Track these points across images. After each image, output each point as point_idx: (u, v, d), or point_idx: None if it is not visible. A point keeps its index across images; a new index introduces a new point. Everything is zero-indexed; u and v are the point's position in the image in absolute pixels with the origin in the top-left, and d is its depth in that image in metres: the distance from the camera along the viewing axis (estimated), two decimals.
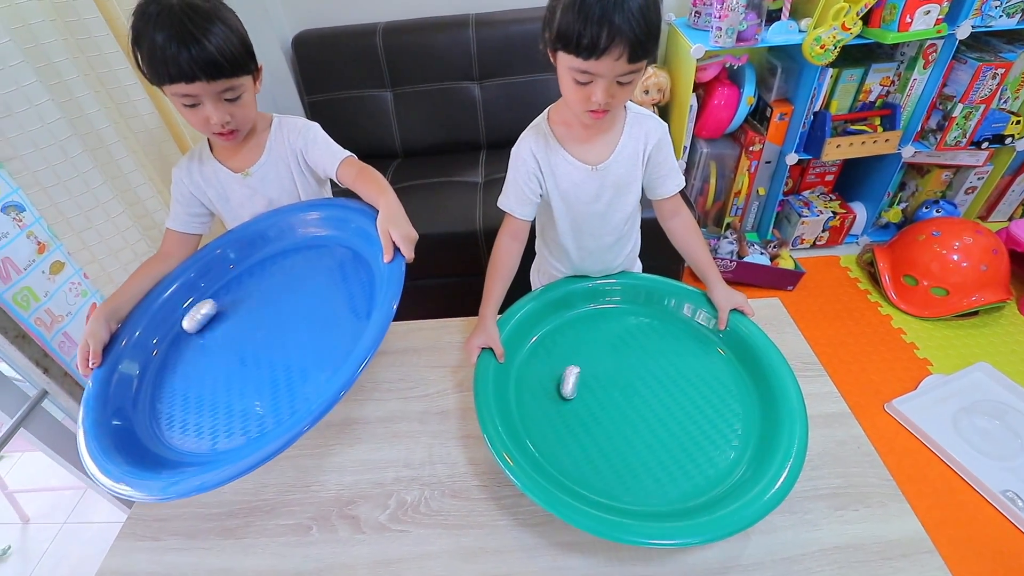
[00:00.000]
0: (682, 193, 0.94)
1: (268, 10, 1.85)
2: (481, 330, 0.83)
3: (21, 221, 0.99)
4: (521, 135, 0.88)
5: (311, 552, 0.71)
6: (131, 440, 0.75)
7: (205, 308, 0.87)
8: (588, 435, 0.76)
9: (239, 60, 0.78)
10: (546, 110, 0.88)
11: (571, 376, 0.80)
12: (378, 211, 0.79)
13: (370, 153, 1.97)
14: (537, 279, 1.08)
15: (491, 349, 0.82)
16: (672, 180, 0.90)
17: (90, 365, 0.79)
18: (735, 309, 0.87)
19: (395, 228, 0.74)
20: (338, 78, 1.90)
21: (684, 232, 0.94)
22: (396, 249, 0.74)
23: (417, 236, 0.76)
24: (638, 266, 1.05)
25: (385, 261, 0.74)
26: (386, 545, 0.71)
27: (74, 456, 1.09)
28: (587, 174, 0.86)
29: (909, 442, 1.44)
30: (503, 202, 0.90)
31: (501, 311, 0.90)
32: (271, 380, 0.77)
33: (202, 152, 0.93)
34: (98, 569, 0.73)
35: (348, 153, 0.92)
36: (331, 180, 0.97)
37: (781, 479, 0.66)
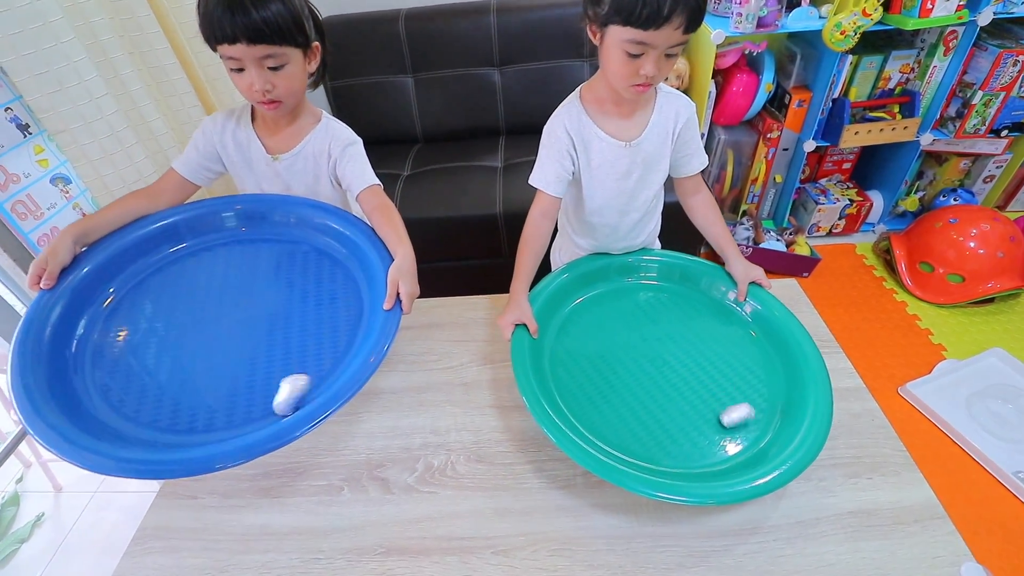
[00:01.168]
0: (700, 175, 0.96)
1: None
2: (514, 306, 0.84)
3: (68, 193, 1.03)
4: (554, 113, 0.89)
5: (343, 511, 0.74)
6: (65, 382, 0.70)
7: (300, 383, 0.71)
8: (625, 405, 0.78)
9: (284, 29, 0.78)
10: (578, 88, 0.89)
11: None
12: (392, 257, 0.81)
13: (391, 138, 2.00)
14: (558, 257, 1.10)
15: (524, 325, 0.83)
16: (697, 159, 0.92)
17: (41, 285, 0.75)
18: (753, 282, 0.89)
19: (404, 283, 0.76)
20: (360, 64, 1.92)
21: (704, 209, 0.96)
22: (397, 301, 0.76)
23: (418, 294, 0.79)
24: (657, 246, 1.07)
25: (385, 308, 0.75)
26: (415, 505, 0.74)
27: None
28: (620, 150, 0.87)
29: (922, 424, 1.46)
30: (535, 178, 0.90)
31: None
32: (231, 375, 0.75)
33: (241, 116, 0.93)
34: (140, 523, 0.76)
35: (377, 181, 0.93)
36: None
37: (808, 440, 0.69)
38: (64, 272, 0.77)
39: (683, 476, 0.69)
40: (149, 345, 0.77)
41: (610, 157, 0.88)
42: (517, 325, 0.82)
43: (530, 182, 0.91)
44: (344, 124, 0.97)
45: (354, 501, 0.76)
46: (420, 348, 0.97)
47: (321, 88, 1.99)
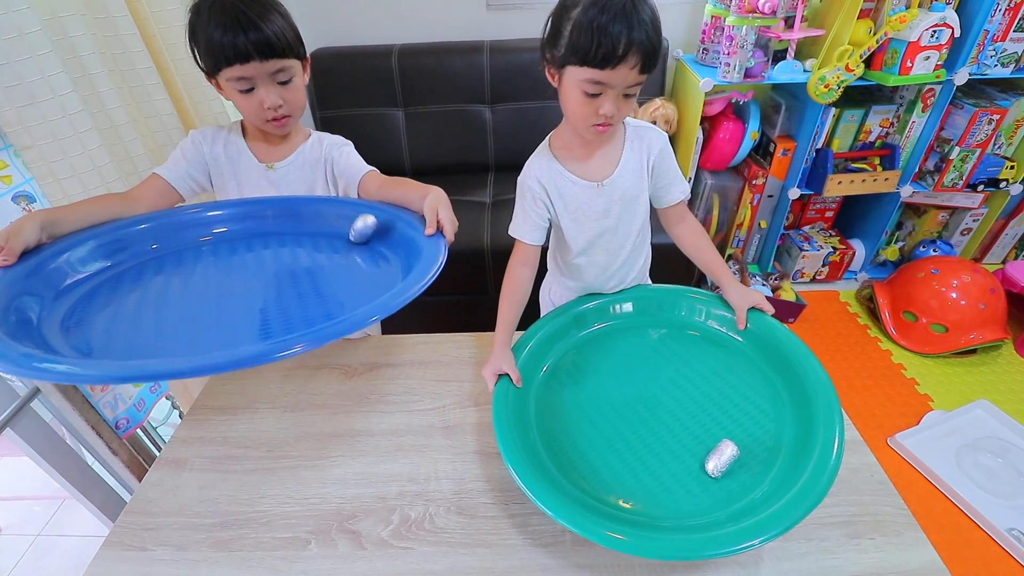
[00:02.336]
0: None
1: None
2: (496, 357, 0.81)
3: (31, 211, 0.96)
4: (526, 164, 0.89)
5: (309, 568, 0.68)
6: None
7: (369, 220, 0.81)
8: (615, 454, 0.73)
9: (291, 43, 0.81)
10: (547, 137, 0.90)
11: None
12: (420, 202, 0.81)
13: (379, 170, 1.97)
14: (548, 299, 1.07)
15: (508, 376, 0.80)
16: (677, 187, 0.91)
17: None
18: (753, 308, 0.86)
19: (444, 209, 0.77)
20: (351, 95, 1.92)
21: (692, 236, 0.95)
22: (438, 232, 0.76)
23: (458, 225, 0.78)
24: (648, 282, 1.05)
25: (427, 234, 0.75)
26: (389, 562, 0.68)
27: (61, 462, 1.04)
28: (594, 191, 0.86)
29: (913, 477, 1.43)
30: (513, 229, 0.90)
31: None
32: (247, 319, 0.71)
33: (231, 130, 0.93)
34: None
35: (374, 167, 0.94)
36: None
37: (828, 464, 0.66)
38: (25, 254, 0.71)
39: (673, 528, 0.63)
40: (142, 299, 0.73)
41: (585, 199, 0.87)
42: (500, 376, 0.79)
43: (509, 232, 0.91)
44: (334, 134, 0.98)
45: (322, 557, 0.69)
46: (400, 388, 0.93)
47: (311, 118, 1.99)
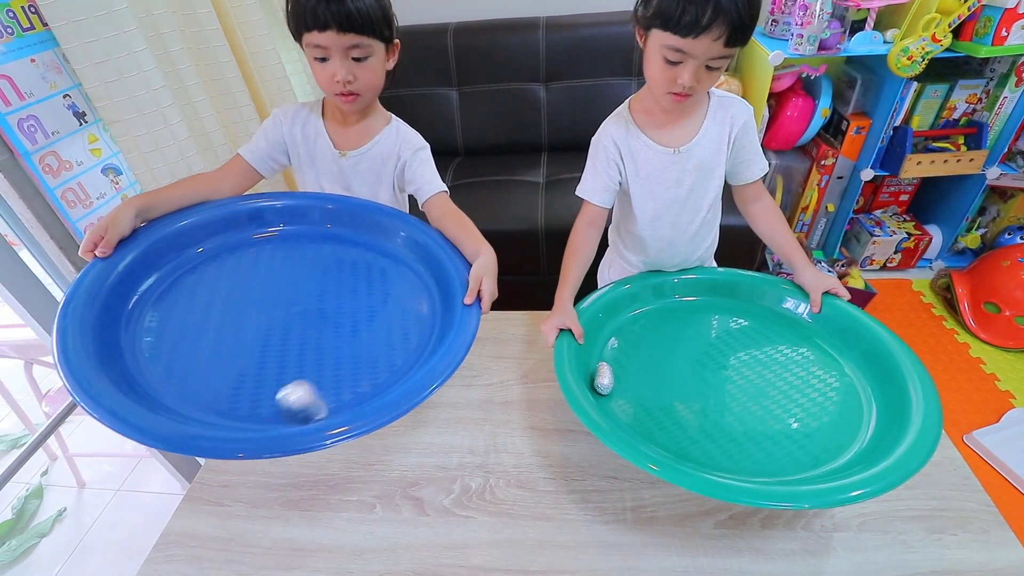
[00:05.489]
0: None
1: None
2: (559, 311, 0.81)
3: (118, 184, 1.03)
4: (603, 123, 0.87)
5: (375, 530, 0.70)
6: (115, 354, 0.65)
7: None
8: (686, 415, 0.72)
9: (373, 22, 0.79)
10: (627, 100, 0.87)
11: (605, 370, 0.75)
12: (467, 261, 0.80)
13: (432, 150, 1.98)
14: (607, 274, 1.06)
15: (570, 331, 0.79)
16: (757, 164, 0.88)
17: (97, 252, 0.71)
18: (827, 292, 0.83)
19: (488, 281, 0.75)
20: (406, 75, 1.91)
21: (768, 216, 0.91)
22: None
23: (497, 296, 0.77)
24: (713, 264, 1.01)
25: (465, 303, 0.73)
26: (451, 529, 0.70)
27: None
28: (669, 158, 0.84)
29: (990, 476, 1.35)
30: (581, 189, 0.89)
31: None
32: (299, 364, 0.70)
33: (313, 109, 0.93)
34: (164, 529, 0.73)
35: (445, 188, 0.92)
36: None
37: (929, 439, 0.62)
38: (122, 243, 0.74)
39: (748, 480, 0.61)
40: (205, 328, 0.74)
41: (659, 165, 0.84)
42: (561, 331, 0.79)
43: (576, 193, 0.89)
44: (413, 129, 0.96)
45: (386, 520, 0.71)
46: None
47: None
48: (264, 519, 0.73)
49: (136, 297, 0.74)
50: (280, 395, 0.63)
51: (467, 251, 0.81)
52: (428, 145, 0.95)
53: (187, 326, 0.73)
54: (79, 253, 0.73)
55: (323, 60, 0.81)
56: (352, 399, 0.67)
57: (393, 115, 0.96)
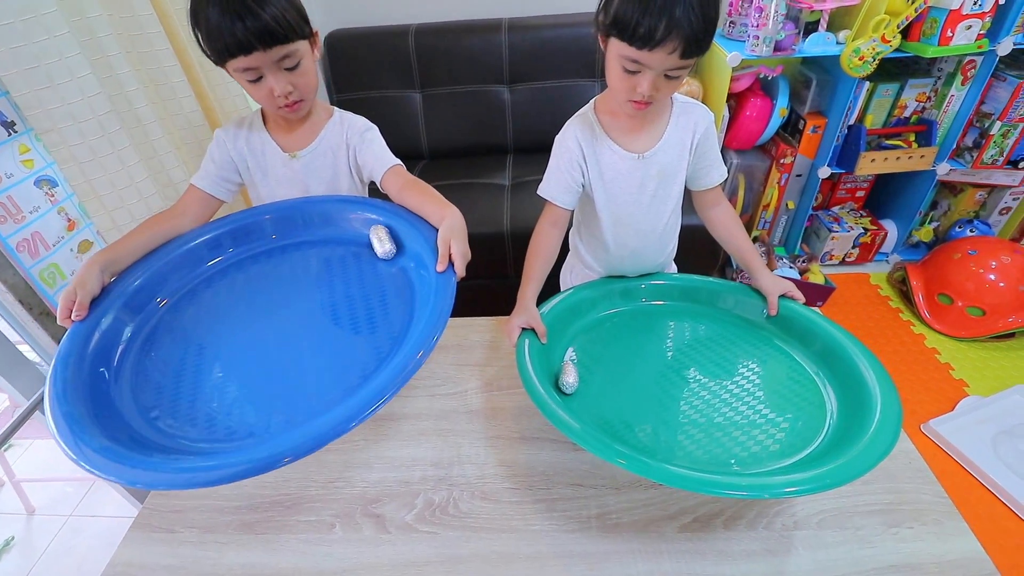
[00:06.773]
0: None
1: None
2: (522, 310, 0.80)
3: (53, 196, 0.97)
4: (566, 123, 0.86)
5: (334, 551, 0.68)
6: (109, 410, 0.65)
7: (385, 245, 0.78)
8: (650, 412, 0.73)
9: (294, 26, 0.77)
10: (592, 100, 0.87)
11: (570, 369, 0.75)
12: (435, 223, 0.77)
13: (396, 153, 1.95)
14: (568, 279, 1.05)
15: (532, 330, 0.78)
16: (716, 170, 0.89)
17: (72, 317, 0.70)
18: (784, 296, 0.84)
19: (456, 242, 0.71)
20: (368, 78, 1.90)
21: (725, 221, 0.92)
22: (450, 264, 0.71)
23: (470, 257, 0.73)
24: (673, 269, 1.02)
25: (438, 270, 0.70)
26: (412, 546, 0.68)
27: None
28: (632, 163, 0.84)
29: (947, 464, 1.39)
30: (544, 189, 0.88)
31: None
32: (281, 376, 0.69)
33: (253, 122, 0.91)
34: (110, 560, 0.69)
35: (398, 161, 0.90)
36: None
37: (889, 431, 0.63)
38: (95, 300, 0.73)
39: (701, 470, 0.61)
40: (194, 361, 0.72)
41: (622, 169, 0.84)
42: (524, 330, 0.78)
43: (539, 193, 0.88)
44: (357, 115, 0.94)
45: (346, 540, 0.69)
46: (422, 371, 0.90)
47: (327, 101, 1.97)
48: (217, 545, 0.70)
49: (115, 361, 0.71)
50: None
51: (432, 217, 0.78)
52: (375, 126, 0.93)
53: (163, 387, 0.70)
54: (58, 322, 0.71)
55: (257, 80, 0.78)
56: (342, 393, 0.65)
57: (335, 107, 0.94)
